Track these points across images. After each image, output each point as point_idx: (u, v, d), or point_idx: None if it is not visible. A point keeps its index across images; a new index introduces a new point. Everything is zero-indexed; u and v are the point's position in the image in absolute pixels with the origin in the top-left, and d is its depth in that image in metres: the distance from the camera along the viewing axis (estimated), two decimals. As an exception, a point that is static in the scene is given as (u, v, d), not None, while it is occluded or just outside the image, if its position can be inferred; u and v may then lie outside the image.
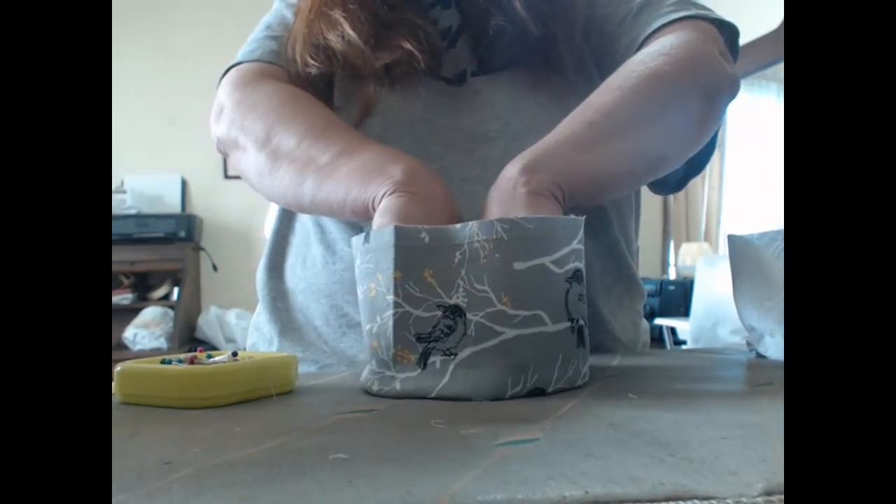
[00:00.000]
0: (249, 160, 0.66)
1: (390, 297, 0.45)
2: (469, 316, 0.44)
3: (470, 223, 0.44)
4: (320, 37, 0.68)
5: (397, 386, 0.45)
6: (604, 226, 0.70)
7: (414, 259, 0.45)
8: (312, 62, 0.69)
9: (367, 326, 0.47)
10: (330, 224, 0.69)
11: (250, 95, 0.67)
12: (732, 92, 0.65)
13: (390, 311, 0.45)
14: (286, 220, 0.76)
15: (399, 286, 0.44)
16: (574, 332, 0.46)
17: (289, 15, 0.76)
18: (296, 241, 0.73)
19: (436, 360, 0.44)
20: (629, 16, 0.68)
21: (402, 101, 0.67)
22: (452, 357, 0.44)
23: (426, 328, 0.44)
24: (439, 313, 0.44)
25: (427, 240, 0.45)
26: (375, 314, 0.46)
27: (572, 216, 0.47)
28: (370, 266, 0.47)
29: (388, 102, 0.67)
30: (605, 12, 0.71)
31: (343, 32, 0.67)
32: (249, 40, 0.76)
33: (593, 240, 0.68)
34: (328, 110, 0.66)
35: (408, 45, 0.66)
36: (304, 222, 0.73)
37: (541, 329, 0.44)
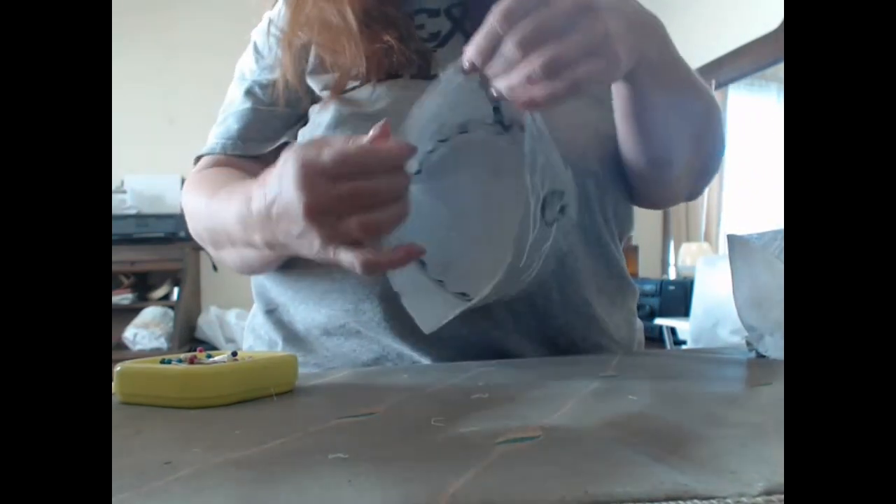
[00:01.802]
0: (213, 255, 0.73)
1: None
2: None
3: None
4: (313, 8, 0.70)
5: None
6: (594, 225, 0.70)
7: None
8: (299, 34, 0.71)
9: None
10: None
11: (187, 209, 0.73)
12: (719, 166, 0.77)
13: None
14: None
15: None
16: None
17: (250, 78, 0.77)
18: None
19: None
20: None
21: (392, 105, 0.67)
22: None
23: None
24: None
25: None
26: None
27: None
28: None
29: (377, 108, 0.67)
30: None
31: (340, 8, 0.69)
32: (217, 124, 0.78)
33: (583, 240, 0.69)
34: (220, 182, 0.69)
35: (390, 38, 0.67)
36: None
37: None
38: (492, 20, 0.48)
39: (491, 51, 0.48)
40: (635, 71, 0.54)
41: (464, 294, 0.55)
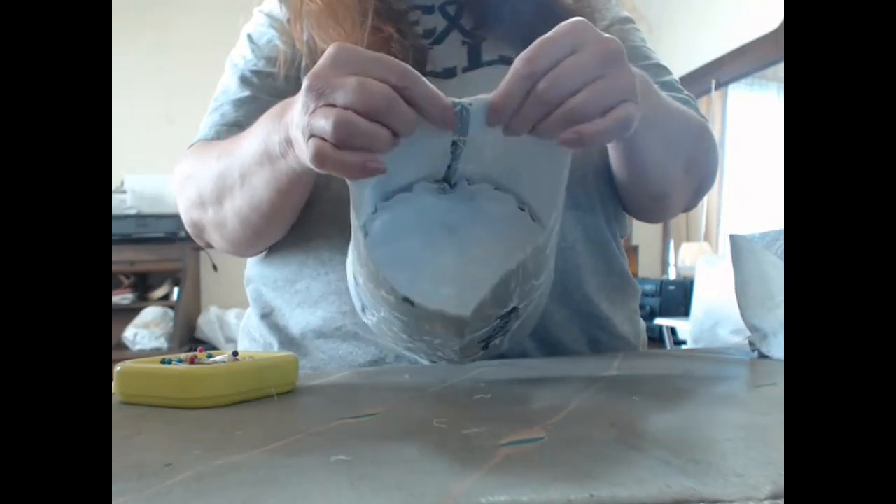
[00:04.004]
0: (209, 227, 0.69)
1: (456, 339, 0.47)
2: (519, 306, 0.47)
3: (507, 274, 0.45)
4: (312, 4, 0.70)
5: (466, 363, 0.52)
6: (595, 220, 0.70)
7: (480, 314, 0.46)
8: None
9: (426, 338, 0.49)
10: (318, 235, 0.68)
11: (185, 175, 0.70)
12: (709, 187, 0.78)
13: (458, 344, 0.48)
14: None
15: (469, 332, 0.47)
16: None
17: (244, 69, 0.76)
18: (286, 255, 0.72)
19: (496, 341, 0.49)
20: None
21: None
22: (507, 332, 0.49)
23: (487, 335, 0.48)
24: (497, 321, 0.47)
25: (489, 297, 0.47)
26: (435, 337, 0.48)
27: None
28: (420, 316, 0.48)
29: None
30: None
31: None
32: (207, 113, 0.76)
33: (584, 236, 0.68)
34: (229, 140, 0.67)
35: (390, 31, 0.66)
36: (291, 234, 0.71)
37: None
38: (518, 67, 0.45)
39: (521, 96, 0.45)
40: None
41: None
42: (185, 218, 0.73)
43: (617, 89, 0.46)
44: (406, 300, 0.46)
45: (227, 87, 0.75)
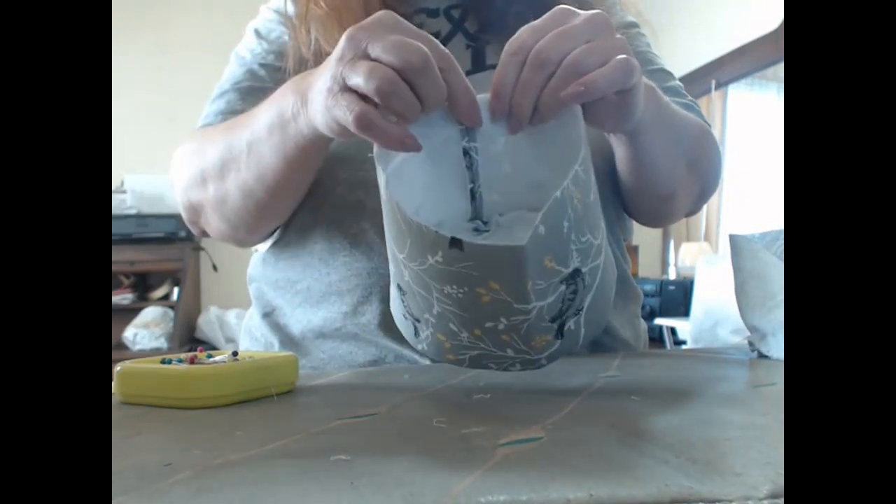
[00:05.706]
0: (209, 206, 0.67)
1: (521, 306, 0.42)
2: (582, 269, 0.43)
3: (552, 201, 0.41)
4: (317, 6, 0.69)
5: (543, 362, 0.46)
6: None
7: (538, 255, 0.41)
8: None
9: (488, 325, 0.44)
10: (322, 237, 0.68)
11: (188, 152, 0.69)
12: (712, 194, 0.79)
13: (522, 317, 0.43)
14: (279, 231, 0.75)
15: (532, 290, 0.41)
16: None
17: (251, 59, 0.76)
18: (289, 256, 0.71)
19: (570, 323, 0.44)
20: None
21: None
22: (581, 312, 0.44)
23: (556, 308, 0.43)
24: (563, 287, 0.43)
25: (543, 231, 0.41)
26: (498, 315, 0.43)
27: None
28: (473, 273, 0.42)
29: None
30: None
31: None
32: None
33: None
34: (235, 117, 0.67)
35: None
36: (295, 234, 0.71)
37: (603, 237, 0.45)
38: (506, 49, 0.46)
39: (515, 72, 0.45)
40: (639, 122, 0.54)
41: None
42: (181, 199, 0.70)
43: (610, 46, 0.46)
44: (454, 243, 0.41)
45: (234, 77, 0.75)
